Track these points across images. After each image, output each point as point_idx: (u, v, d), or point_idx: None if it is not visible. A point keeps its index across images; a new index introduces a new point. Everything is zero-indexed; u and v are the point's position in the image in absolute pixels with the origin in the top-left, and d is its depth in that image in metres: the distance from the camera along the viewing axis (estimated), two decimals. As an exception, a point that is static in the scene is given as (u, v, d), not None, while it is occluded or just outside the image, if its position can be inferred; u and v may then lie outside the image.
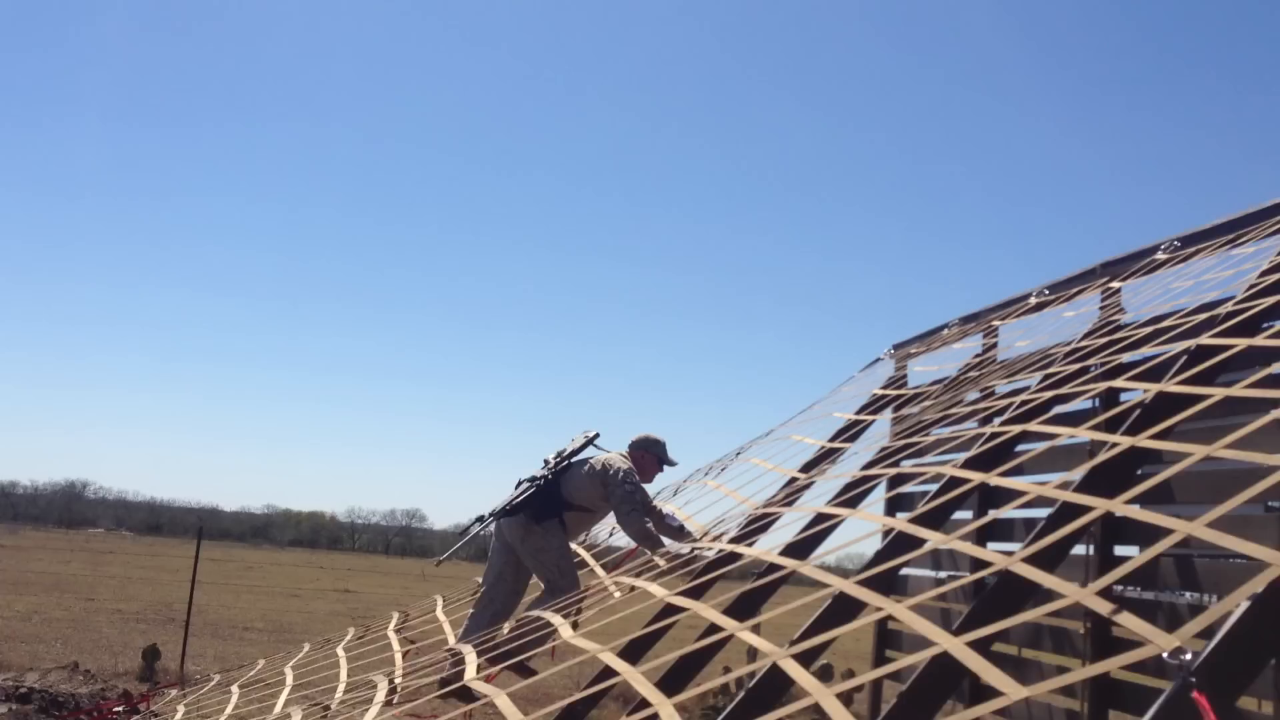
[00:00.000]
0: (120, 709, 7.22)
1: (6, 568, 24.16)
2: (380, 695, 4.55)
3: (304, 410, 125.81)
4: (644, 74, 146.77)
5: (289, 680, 5.95)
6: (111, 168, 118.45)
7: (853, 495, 5.56)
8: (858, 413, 7.74)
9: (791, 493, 6.31)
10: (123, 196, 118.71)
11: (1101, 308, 5.80)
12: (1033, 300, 6.85)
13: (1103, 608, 2.31)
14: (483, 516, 6.15)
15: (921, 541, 3.70)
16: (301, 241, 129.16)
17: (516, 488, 6.23)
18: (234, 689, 6.42)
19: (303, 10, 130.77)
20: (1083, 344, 5.23)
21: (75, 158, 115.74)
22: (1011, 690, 2.11)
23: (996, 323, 7.13)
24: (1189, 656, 2.12)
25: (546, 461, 6.29)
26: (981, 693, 5.69)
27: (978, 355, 7.08)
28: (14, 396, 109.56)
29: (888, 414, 7.48)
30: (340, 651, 6.30)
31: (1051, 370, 5.14)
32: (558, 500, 6.08)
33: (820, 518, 5.12)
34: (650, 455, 6.42)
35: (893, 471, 5.44)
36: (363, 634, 7.13)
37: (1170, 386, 3.82)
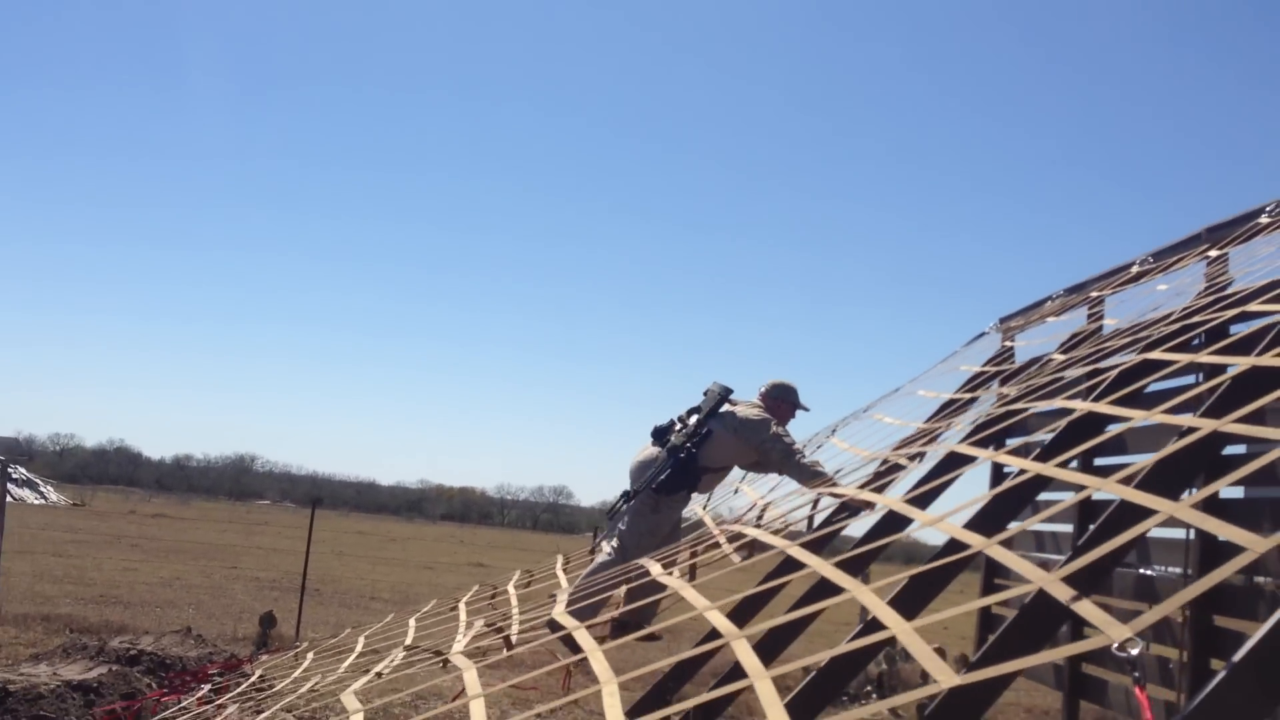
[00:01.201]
0: (215, 672, 7.45)
1: (165, 536, 25.52)
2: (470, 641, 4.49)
3: (459, 387, 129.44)
4: (741, 32, 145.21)
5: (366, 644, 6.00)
6: (268, 133, 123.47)
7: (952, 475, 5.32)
8: (960, 389, 7.43)
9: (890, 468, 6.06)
10: (285, 164, 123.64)
11: (1206, 276, 5.40)
12: (1135, 269, 6.41)
13: (1062, 594, 2.06)
14: (629, 493, 5.92)
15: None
16: (460, 216, 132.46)
17: (654, 440, 5.99)
18: (357, 643, 6.49)
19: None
20: (1184, 313, 4.88)
21: (261, 123, 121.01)
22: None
23: (1097, 294, 6.72)
24: (1136, 651, 1.89)
25: (681, 420, 6.02)
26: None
27: (1081, 329, 6.69)
28: (191, 372, 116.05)
29: (994, 388, 7.18)
30: (462, 607, 6.24)
31: (1152, 343, 4.81)
32: (694, 470, 5.84)
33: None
34: (785, 403, 6.13)
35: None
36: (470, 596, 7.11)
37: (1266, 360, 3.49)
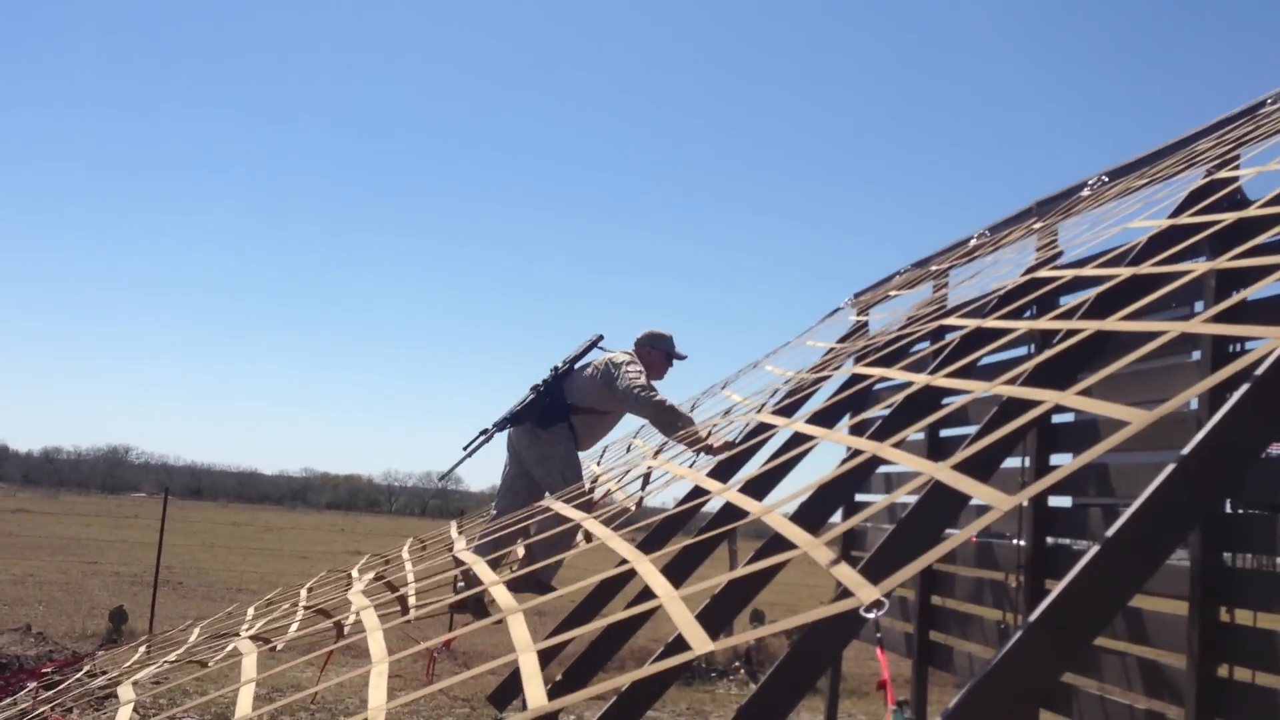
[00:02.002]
0: (49, 670, 7.14)
1: (23, 532, 24.46)
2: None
3: (343, 374, 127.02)
4: (618, 45, 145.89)
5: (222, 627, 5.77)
6: (170, 142, 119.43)
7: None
8: (814, 365, 7.49)
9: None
10: (167, 163, 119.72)
11: (1037, 249, 5.52)
12: (973, 243, 6.54)
13: (823, 557, 2.03)
14: (487, 429, 5.93)
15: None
16: (336, 210, 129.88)
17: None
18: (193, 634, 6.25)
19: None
20: (1017, 287, 4.98)
21: (137, 132, 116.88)
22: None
23: (937, 267, 6.84)
24: (884, 610, 1.87)
25: (555, 369, 6.07)
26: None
27: (926, 302, 6.79)
28: (57, 363, 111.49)
29: (849, 364, 7.26)
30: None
31: (986, 315, 4.89)
32: (562, 404, 5.88)
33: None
34: (657, 351, 6.14)
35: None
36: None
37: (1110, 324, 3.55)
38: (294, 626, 4.99)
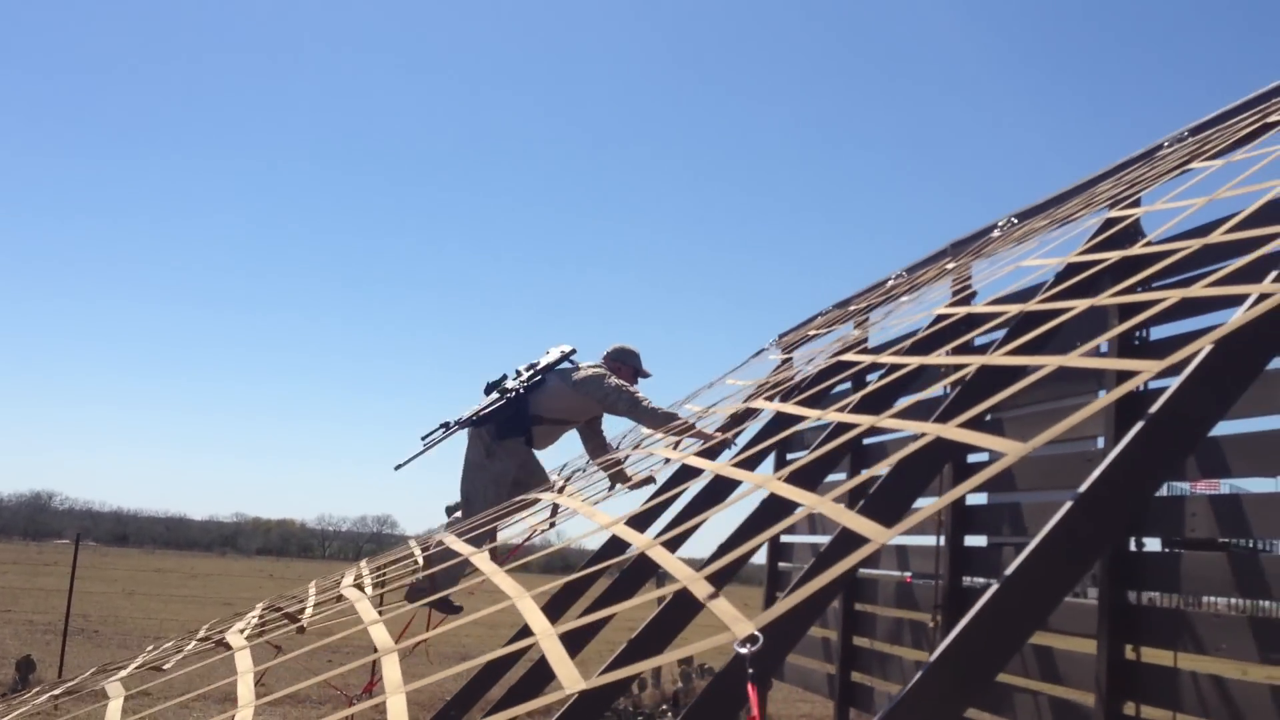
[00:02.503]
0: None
1: (-66, 580, 23.59)
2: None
3: (274, 419, 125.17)
4: (564, 72, 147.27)
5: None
6: (80, 182, 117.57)
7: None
8: (743, 403, 7.49)
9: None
10: (88, 211, 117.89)
11: (952, 288, 5.58)
12: (890, 283, 6.61)
13: (701, 591, 1.99)
14: (448, 424, 5.81)
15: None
16: (267, 253, 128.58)
17: (486, 394, 5.91)
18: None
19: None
20: (930, 330, 5.02)
21: (42, 170, 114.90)
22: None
23: (856, 308, 6.89)
24: (759, 646, 1.83)
25: (518, 372, 5.95)
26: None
27: (843, 343, 6.84)
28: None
29: (774, 405, 7.26)
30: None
31: (900, 359, 4.93)
32: (525, 415, 5.79)
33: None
34: (626, 367, 6.11)
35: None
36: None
37: (996, 359, 3.58)
38: (169, 664, 4.81)
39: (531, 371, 5.93)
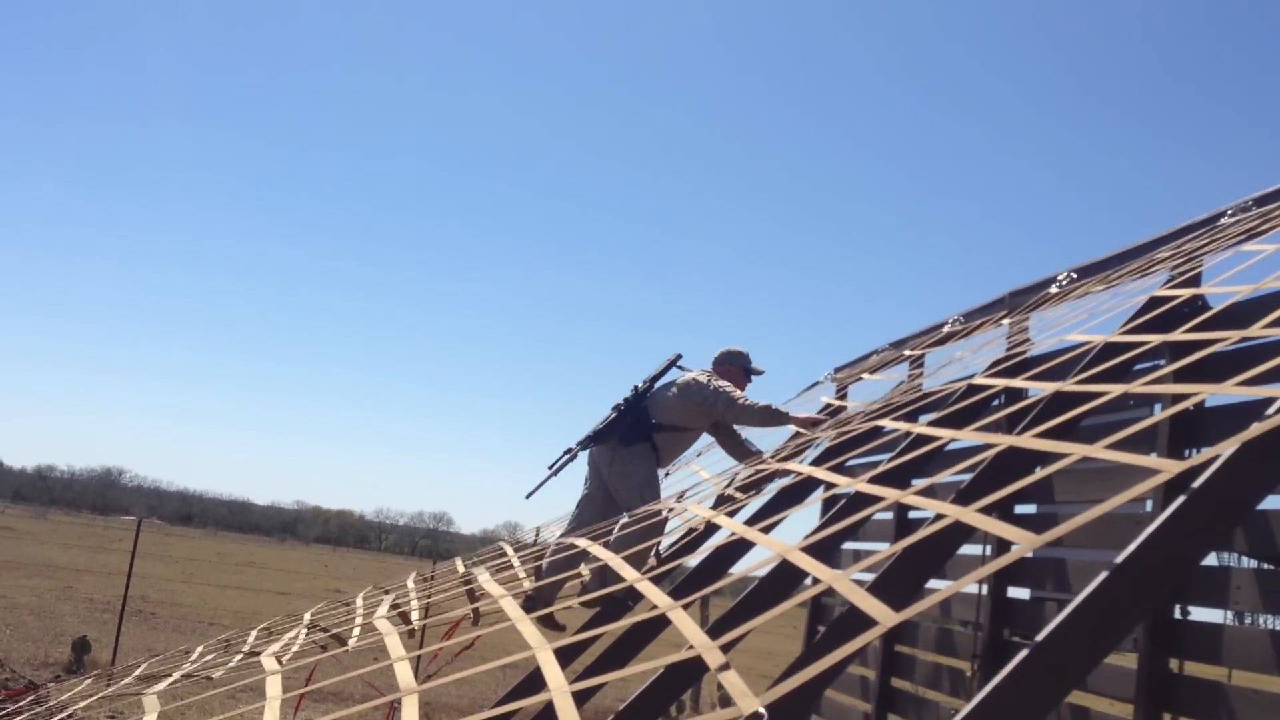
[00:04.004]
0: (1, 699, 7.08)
1: (2, 553, 24.29)
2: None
3: (341, 410, 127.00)
4: (612, 76, 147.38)
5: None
6: (176, 163, 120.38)
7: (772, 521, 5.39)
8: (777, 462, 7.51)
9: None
10: (182, 190, 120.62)
11: (1008, 342, 5.55)
12: (946, 329, 6.58)
13: (714, 660, 2.03)
14: (571, 449, 5.95)
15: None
16: (347, 245, 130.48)
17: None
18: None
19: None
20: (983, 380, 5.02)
21: (139, 150, 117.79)
22: None
23: (910, 352, 6.87)
24: (761, 724, 1.86)
25: (636, 388, 6.09)
26: None
27: (900, 386, 6.82)
28: (56, 381, 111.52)
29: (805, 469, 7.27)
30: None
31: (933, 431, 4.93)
32: (645, 422, 5.90)
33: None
34: (735, 368, 6.19)
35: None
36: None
37: (1024, 441, 3.58)
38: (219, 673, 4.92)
39: (645, 382, 6.07)
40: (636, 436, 5.87)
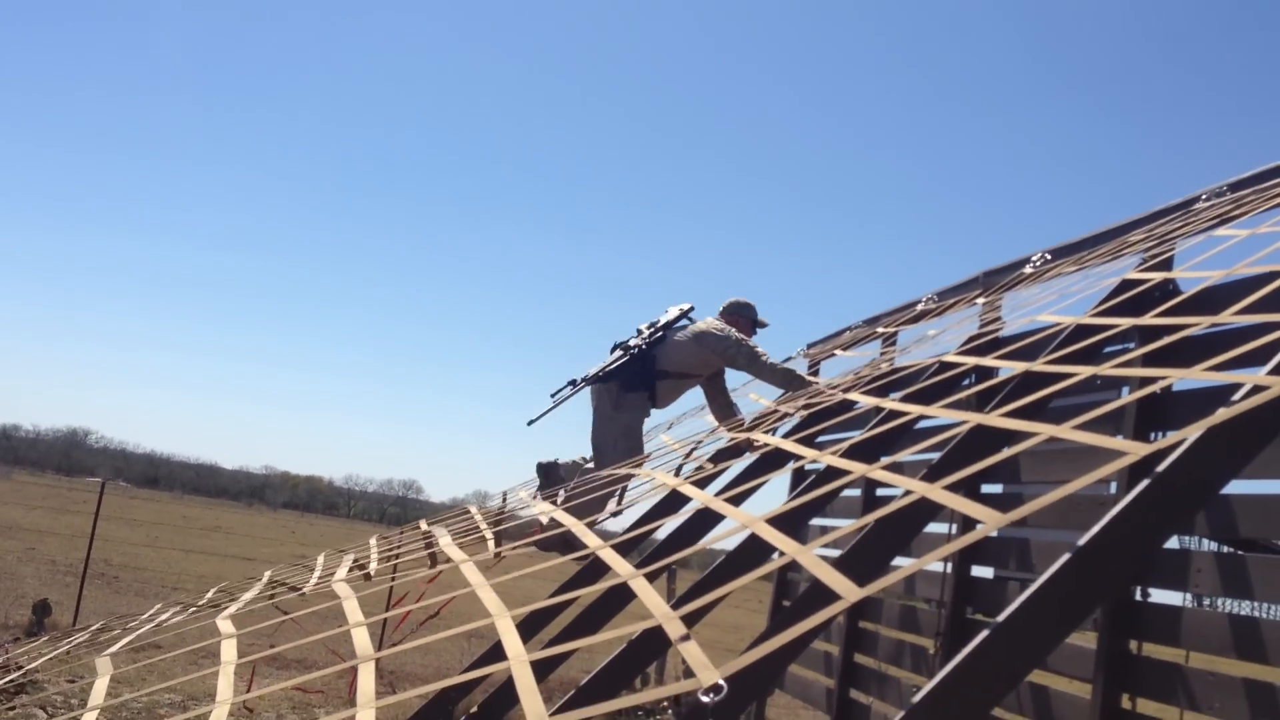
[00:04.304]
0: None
1: (-36, 512, 24.06)
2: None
3: (310, 375, 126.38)
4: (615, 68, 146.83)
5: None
6: (128, 126, 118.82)
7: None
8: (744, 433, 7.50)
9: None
10: (137, 154, 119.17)
11: (980, 321, 5.56)
12: (920, 307, 6.58)
13: (675, 631, 2.02)
14: (575, 381, 5.91)
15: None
16: (313, 209, 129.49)
17: (611, 353, 6.01)
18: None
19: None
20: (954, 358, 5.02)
21: (92, 116, 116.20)
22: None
23: (883, 329, 6.88)
24: (722, 695, 1.85)
25: (640, 331, 6.04)
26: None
27: (870, 363, 6.82)
28: (22, 341, 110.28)
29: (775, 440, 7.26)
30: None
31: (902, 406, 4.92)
32: (651, 368, 5.86)
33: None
34: (744, 319, 6.19)
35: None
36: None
37: (992, 420, 3.58)
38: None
39: (653, 329, 6.00)
40: (638, 384, 5.84)
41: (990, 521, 1.90)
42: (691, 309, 6.13)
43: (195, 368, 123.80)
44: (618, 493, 5.18)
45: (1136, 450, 1.93)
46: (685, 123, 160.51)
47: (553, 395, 5.91)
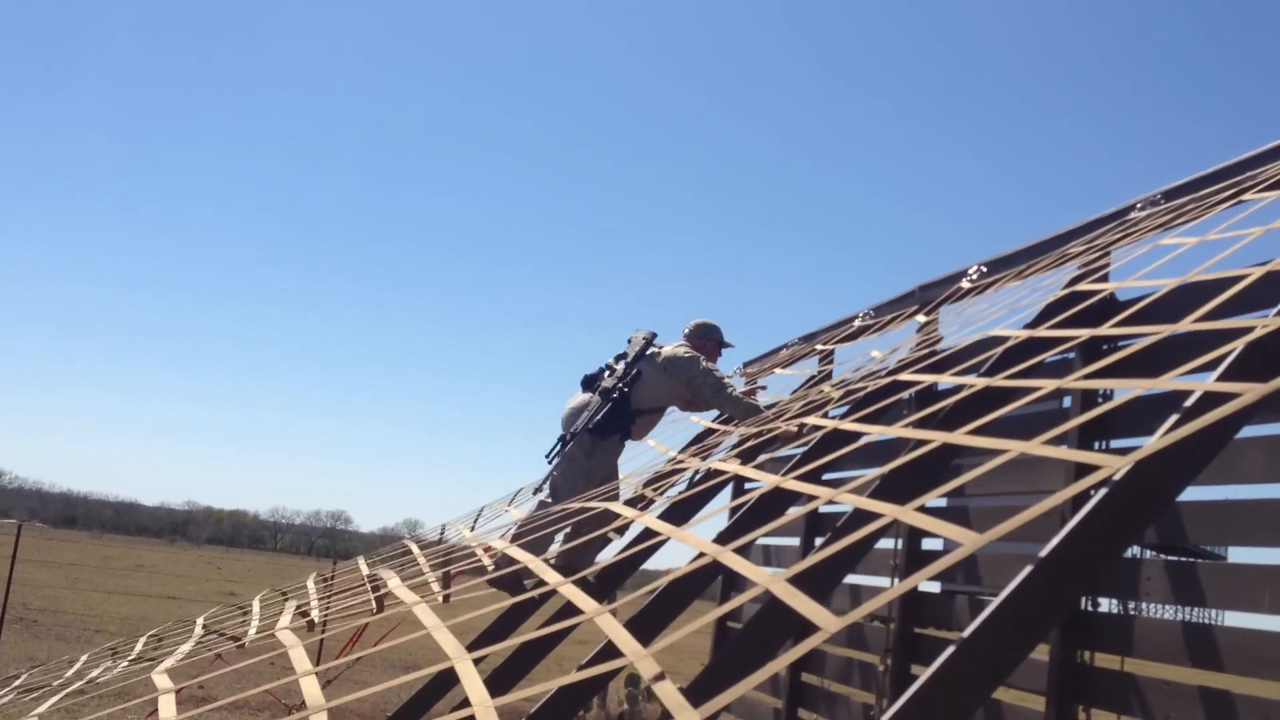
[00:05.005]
0: None
1: None
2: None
3: (231, 408, 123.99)
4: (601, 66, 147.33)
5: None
6: (36, 162, 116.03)
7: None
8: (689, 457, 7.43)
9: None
10: (48, 193, 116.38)
11: (919, 338, 5.55)
12: (857, 323, 6.58)
13: (649, 670, 1.93)
14: (565, 438, 5.66)
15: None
16: (235, 242, 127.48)
17: (584, 388, 5.84)
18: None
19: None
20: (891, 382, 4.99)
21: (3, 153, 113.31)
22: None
23: (822, 346, 6.87)
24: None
25: (611, 368, 5.85)
26: None
27: (811, 378, 6.80)
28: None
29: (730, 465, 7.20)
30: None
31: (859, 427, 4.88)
32: (626, 412, 5.70)
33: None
34: (710, 340, 6.07)
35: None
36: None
37: (956, 438, 3.54)
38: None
39: (625, 365, 5.83)
40: (613, 428, 5.69)
41: (969, 542, 1.85)
42: (654, 336, 5.98)
43: (112, 405, 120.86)
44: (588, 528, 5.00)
45: (1112, 464, 1.89)
46: (611, 143, 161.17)
47: (547, 456, 5.77)
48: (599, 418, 5.61)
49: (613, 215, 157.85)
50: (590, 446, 5.65)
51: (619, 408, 5.68)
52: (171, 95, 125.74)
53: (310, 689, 2.23)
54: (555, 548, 5.27)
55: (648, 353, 5.87)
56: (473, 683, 2.09)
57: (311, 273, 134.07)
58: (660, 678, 1.93)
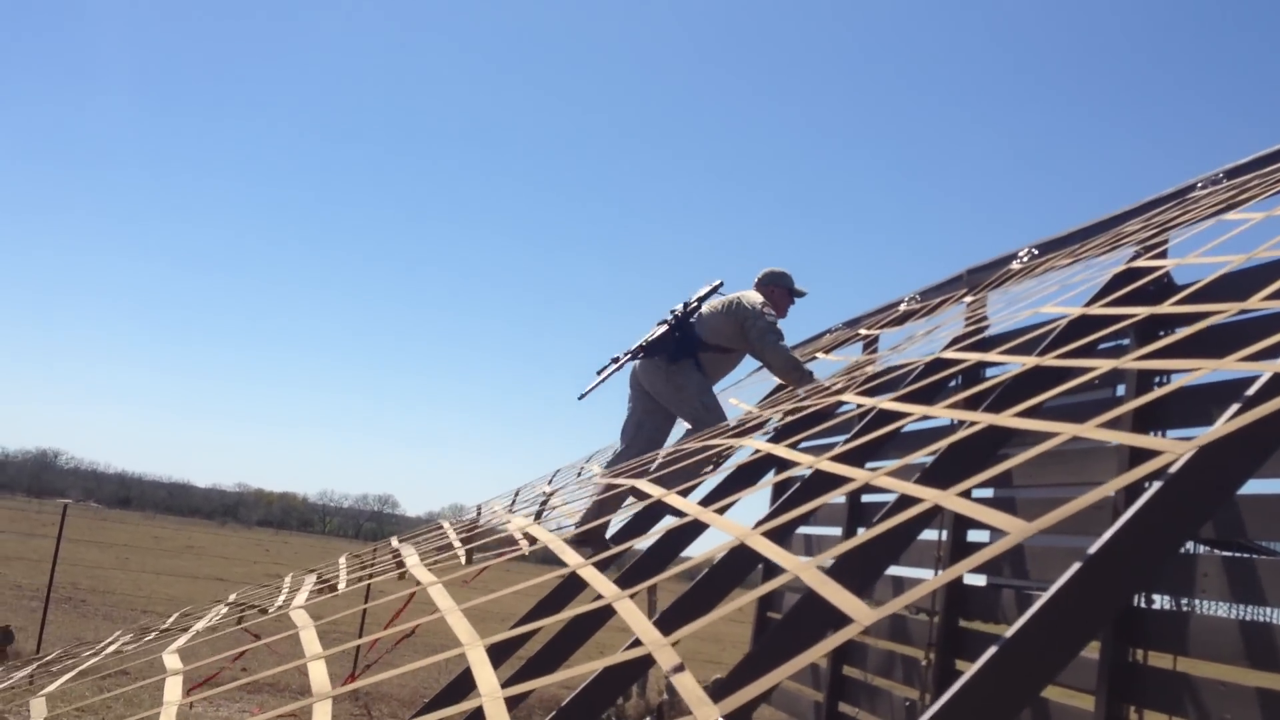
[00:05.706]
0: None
1: (-71, 536, 23.54)
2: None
3: (282, 390, 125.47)
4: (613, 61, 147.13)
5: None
6: (103, 141, 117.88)
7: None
8: (730, 438, 7.32)
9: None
10: (111, 168, 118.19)
11: (966, 319, 5.39)
12: (903, 308, 6.42)
13: (668, 660, 1.81)
14: (618, 357, 5.89)
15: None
16: (287, 223, 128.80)
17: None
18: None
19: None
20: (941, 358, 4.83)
21: (67, 129, 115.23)
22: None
23: (866, 331, 6.71)
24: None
25: (674, 311, 6.00)
26: None
27: (851, 365, 6.65)
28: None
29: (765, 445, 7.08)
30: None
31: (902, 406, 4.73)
32: (692, 340, 5.83)
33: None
34: (780, 289, 6.12)
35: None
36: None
37: (1004, 420, 3.39)
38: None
39: (686, 305, 5.99)
40: (680, 354, 5.80)
41: (1016, 531, 1.71)
42: (721, 284, 6.10)
43: (167, 385, 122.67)
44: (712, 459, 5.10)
45: (1174, 449, 1.75)
46: (655, 125, 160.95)
47: (598, 371, 5.91)
48: (654, 340, 5.79)
49: (661, 202, 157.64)
50: (668, 374, 5.79)
51: (681, 334, 5.81)
52: (230, 68, 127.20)
53: (317, 673, 2.14)
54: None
55: (716, 296, 6.00)
56: (483, 671, 1.99)
57: (367, 253, 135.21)
58: (679, 669, 1.82)
